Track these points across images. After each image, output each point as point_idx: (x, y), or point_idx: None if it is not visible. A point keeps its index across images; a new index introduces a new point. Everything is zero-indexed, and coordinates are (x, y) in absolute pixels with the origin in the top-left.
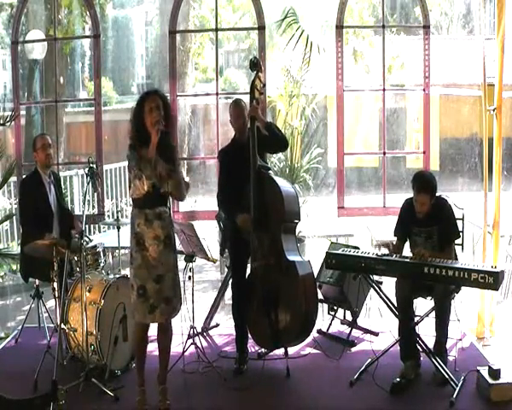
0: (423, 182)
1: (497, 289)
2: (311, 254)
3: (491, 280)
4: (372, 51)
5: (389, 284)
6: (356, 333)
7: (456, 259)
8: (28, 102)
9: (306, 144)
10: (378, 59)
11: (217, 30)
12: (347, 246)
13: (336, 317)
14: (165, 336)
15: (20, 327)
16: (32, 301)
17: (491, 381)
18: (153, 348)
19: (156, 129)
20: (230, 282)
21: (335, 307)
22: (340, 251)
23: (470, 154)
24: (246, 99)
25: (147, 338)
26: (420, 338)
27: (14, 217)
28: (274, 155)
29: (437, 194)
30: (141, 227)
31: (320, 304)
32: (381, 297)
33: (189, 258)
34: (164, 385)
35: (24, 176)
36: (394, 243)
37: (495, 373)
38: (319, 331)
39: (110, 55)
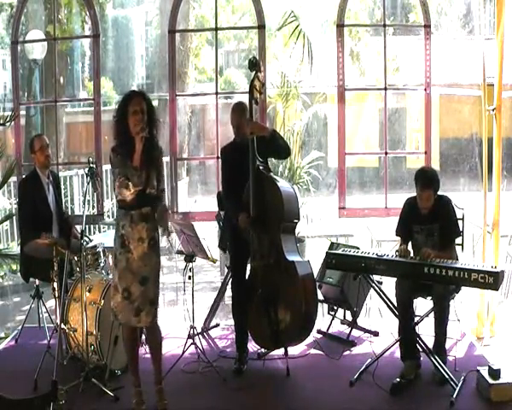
0: (427, 178)
1: (497, 290)
2: (311, 254)
3: (491, 280)
4: (367, 54)
5: (389, 284)
6: (356, 333)
7: (457, 259)
8: (28, 102)
9: (306, 144)
10: (373, 61)
11: (216, 29)
12: (347, 246)
13: (336, 317)
14: (153, 337)
15: (20, 327)
16: (32, 301)
17: (491, 381)
18: None
19: (140, 137)
20: (230, 282)
21: (335, 307)
22: (340, 251)
23: (470, 154)
24: (245, 99)
25: (136, 338)
26: (420, 338)
27: (14, 217)
28: None
29: (439, 194)
30: (126, 229)
31: (320, 304)
32: (381, 297)
33: (189, 258)
34: (160, 386)
35: (23, 176)
36: (400, 245)
37: (495, 373)
38: (319, 331)
39: (110, 55)
